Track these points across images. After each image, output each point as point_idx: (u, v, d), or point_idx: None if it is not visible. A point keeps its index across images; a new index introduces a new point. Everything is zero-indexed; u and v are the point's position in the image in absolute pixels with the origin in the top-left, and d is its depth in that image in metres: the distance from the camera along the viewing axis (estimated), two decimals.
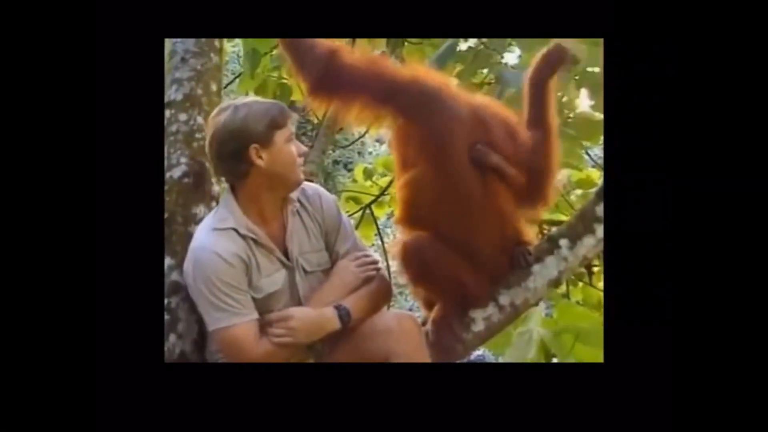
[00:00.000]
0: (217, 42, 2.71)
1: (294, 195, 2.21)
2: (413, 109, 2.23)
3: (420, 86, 2.25)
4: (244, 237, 2.11)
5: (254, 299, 2.11)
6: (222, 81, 2.75)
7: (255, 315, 2.09)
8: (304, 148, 2.18)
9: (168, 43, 2.69)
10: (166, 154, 2.56)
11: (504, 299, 2.32)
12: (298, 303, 2.17)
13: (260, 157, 2.08)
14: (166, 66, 2.66)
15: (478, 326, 2.32)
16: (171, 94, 2.62)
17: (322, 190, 2.34)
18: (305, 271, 2.20)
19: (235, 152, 2.08)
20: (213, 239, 2.10)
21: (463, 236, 2.25)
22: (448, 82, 2.36)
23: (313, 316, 2.12)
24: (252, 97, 2.28)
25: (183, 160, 2.51)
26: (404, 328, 2.13)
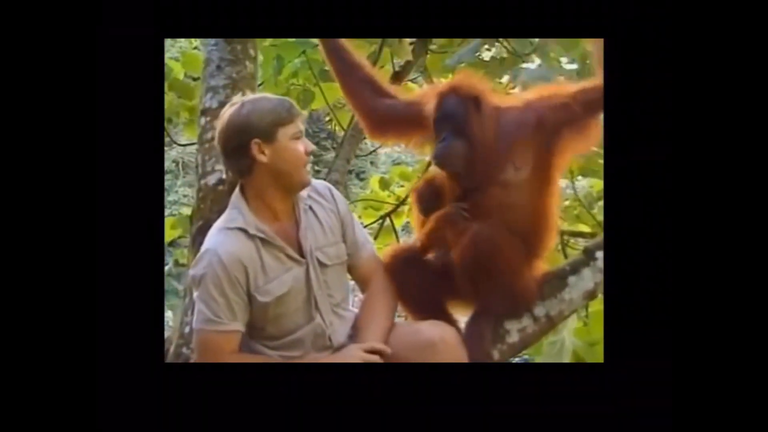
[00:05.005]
0: (251, 50, 2.71)
1: (304, 193, 2.19)
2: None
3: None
4: (252, 237, 2.09)
5: (263, 303, 2.09)
6: (256, 89, 2.75)
7: (237, 326, 2.09)
8: (312, 146, 2.15)
9: (204, 51, 2.71)
10: (201, 162, 2.59)
11: (539, 310, 2.31)
12: (314, 301, 2.15)
13: (263, 153, 2.07)
14: (202, 74, 2.67)
15: (513, 338, 2.30)
16: (206, 101, 2.62)
17: (329, 185, 2.33)
18: (323, 265, 2.17)
19: (238, 147, 2.07)
20: (220, 239, 2.09)
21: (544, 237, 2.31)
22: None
23: None
24: (262, 94, 2.27)
25: (218, 167, 2.52)
26: (447, 341, 2.13)
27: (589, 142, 2.30)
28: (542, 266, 2.35)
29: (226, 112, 2.12)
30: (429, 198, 2.38)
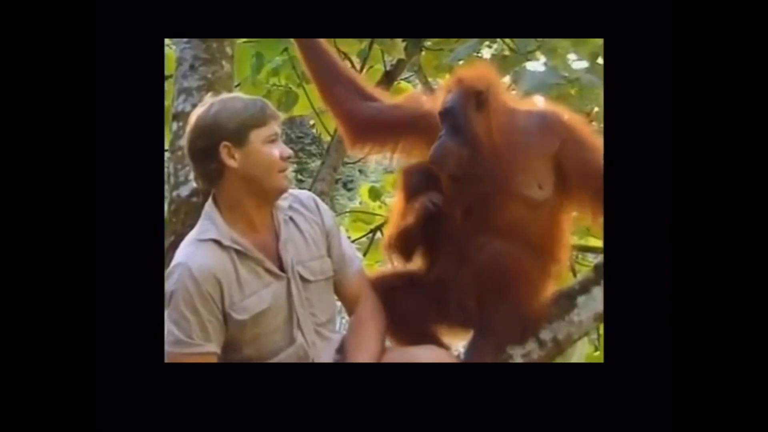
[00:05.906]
0: (228, 48, 2.55)
1: (285, 203, 2.08)
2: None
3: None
4: (227, 249, 1.98)
5: (240, 322, 1.98)
6: (233, 91, 2.57)
7: (211, 348, 1.97)
8: (289, 151, 2.03)
9: (176, 50, 2.56)
10: (173, 171, 2.45)
11: (545, 334, 2.15)
12: (296, 320, 2.04)
13: (232, 157, 1.96)
14: (174, 74, 2.52)
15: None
16: (179, 105, 2.47)
17: (314, 195, 2.24)
18: (306, 281, 2.06)
19: (205, 150, 1.98)
20: (191, 252, 1.98)
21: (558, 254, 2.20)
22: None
23: None
24: (234, 94, 2.17)
25: (191, 177, 2.34)
26: None
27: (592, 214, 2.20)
28: (551, 285, 2.21)
29: (194, 113, 2.03)
30: (418, 182, 2.21)
